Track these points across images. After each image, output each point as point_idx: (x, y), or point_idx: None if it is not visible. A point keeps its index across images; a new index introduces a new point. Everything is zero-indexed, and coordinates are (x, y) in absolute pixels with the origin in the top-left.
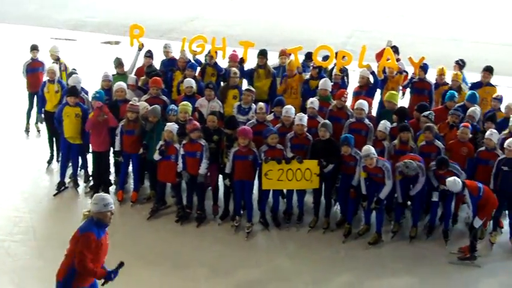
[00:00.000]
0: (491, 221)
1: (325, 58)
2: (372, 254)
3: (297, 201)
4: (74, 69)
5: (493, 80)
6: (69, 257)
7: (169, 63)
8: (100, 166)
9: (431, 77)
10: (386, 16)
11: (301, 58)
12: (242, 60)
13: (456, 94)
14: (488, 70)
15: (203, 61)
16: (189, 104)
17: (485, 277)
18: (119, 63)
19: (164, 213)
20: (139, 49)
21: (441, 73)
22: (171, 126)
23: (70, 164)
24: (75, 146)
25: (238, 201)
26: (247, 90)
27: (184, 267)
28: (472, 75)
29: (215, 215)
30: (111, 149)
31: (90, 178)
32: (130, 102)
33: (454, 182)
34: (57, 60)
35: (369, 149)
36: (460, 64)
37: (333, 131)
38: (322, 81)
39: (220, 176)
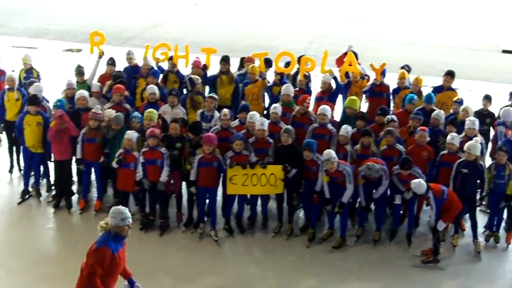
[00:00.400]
0: (453, 224)
1: (287, 64)
2: (336, 258)
3: (261, 207)
4: (34, 77)
5: (453, 84)
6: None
7: (133, 70)
8: (62, 175)
9: (390, 81)
10: (347, 21)
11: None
12: (205, 67)
13: (415, 97)
14: (450, 74)
15: (166, 68)
16: (155, 111)
17: (448, 279)
18: (79, 72)
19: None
20: (100, 57)
21: (402, 77)
22: (131, 134)
23: (32, 173)
24: (37, 155)
25: (202, 208)
26: (209, 97)
27: (149, 276)
28: (433, 80)
29: (179, 222)
30: (73, 158)
31: (53, 187)
32: (93, 110)
33: (419, 184)
34: (30, 69)
35: (330, 153)
36: (406, 69)
37: (296, 137)
38: (284, 86)
39: (184, 183)
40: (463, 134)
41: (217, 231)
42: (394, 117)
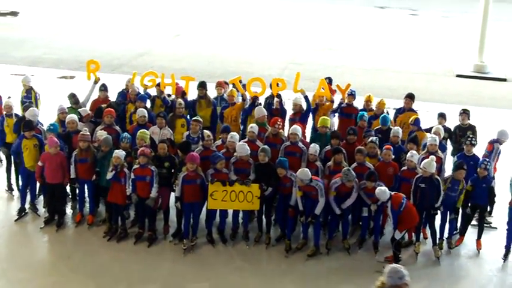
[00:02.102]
0: (415, 233)
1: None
2: (310, 266)
3: (242, 219)
4: (30, 102)
5: (414, 106)
6: None
7: (125, 95)
8: (53, 197)
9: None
10: (316, 50)
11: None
12: (184, 93)
13: (366, 114)
14: (410, 97)
15: (152, 94)
16: (147, 132)
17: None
18: (74, 101)
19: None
20: (95, 82)
21: (368, 100)
22: (119, 153)
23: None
24: (34, 173)
25: (187, 223)
26: (194, 120)
27: (137, 285)
28: (395, 102)
29: (166, 234)
30: (64, 180)
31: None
32: (81, 133)
33: (383, 191)
34: (29, 90)
35: (306, 175)
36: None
37: (271, 156)
38: (256, 109)
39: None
40: (424, 151)
41: (197, 238)
42: (374, 139)
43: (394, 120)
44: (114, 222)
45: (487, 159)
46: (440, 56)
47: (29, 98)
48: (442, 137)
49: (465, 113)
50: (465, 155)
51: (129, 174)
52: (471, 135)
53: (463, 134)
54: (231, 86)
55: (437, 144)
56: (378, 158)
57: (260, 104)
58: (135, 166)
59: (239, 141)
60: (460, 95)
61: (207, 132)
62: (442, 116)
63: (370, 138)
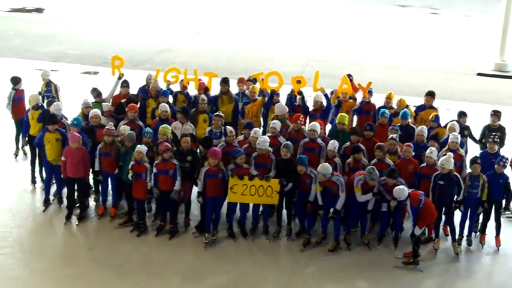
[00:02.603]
0: (434, 230)
1: None
2: (329, 260)
3: (262, 214)
4: (53, 96)
5: (434, 103)
6: None
7: (145, 91)
8: (73, 191)
9: (376, 100)
10: (337, 47)
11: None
12: (207, 89)
13: (387, 111)
14: (430, 94)
15: (174, 90)
16: (169, 127)
17: (428, 279)
18: (97, 94)
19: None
20: (119, 78)
21: (388, 97)
22: (141, 148)
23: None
24: (57, 167)
25: (209, 217)
26: (216, 115)
27: (158, 276)
28: (415, 100)
29: (186, 227)
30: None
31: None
32: (107, 127)
33: (401, 190)
34: (49, 83)
35: (327, 169)
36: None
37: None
38: (277, 105)
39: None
40: (445, 148)
41: (218, 232)
42: (395, 136)
43: (415, 117)
44: (137, 217)
45: (506, 157)
46: (461, 55)
47: (50, 91)
48: (457, 132)
49: (496, 114)
50: (488, 152)
51: (151, 168)
52: (495, 134)
53: (490, 134)
54: (252, 82)
55: (459, 141)
56: (398, 155)
57: (279, 101)
58: (157, 161)
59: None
60: (481, 93)
61: (229, 128)
62: (463, 115)
63: (391, 136)
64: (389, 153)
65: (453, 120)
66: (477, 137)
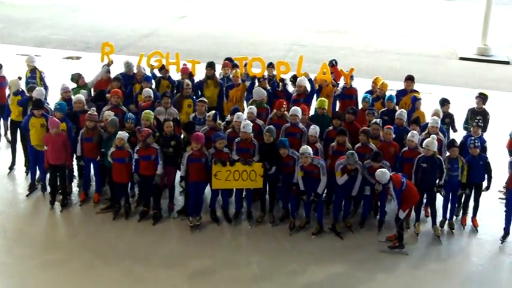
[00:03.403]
0: (415, 213)
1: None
2: (313, 244)
3: (245, 199)
4: (33, 82)
5: (416, 87)
6: None
7: (129, 77)
8: (55, 177)
9: (358, 85)
10: (320, 32)
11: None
12: (191, 75)
13: (369, 96)
14: (410, 79)
15: (158, 75)
16: (151, 112)
17: (411, 261)
18: (79, 76)
19: (124, 213)
20: (109, 65)
21: (375, 82)
22: (122, 134)
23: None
24: (41, 152)
25: (193, 201)
26: (200, 101)
27: (143, 261)
28: (398, 84)
29: (170, 212)
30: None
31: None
32: (89, 112)
33: (383, 173)
34: (34, 69)
35: (306, 148)
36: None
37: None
38: (255, 90)
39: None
40: (425, 131)
41: (201, 218)
42: (378, 121)
43: (397, 102)
44: (117, 201)
45: (473, 138)
46: (443, 39)
47: (34, 77)
48: (441, 118)
49: (480, 97)
50: (471, 136)
51: (133, 153)
52: (479, 118)
53: (474, 118)
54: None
55: (438, 126)
56: (379, 139)
57: (266, 85)
58: (138, 146)
59: None
60: (463, 77)
61: (209, 112)
62: (446, 102)
63: (374, 120)
64: (371, 137)
65: (438, 108)
66: (460, 124)
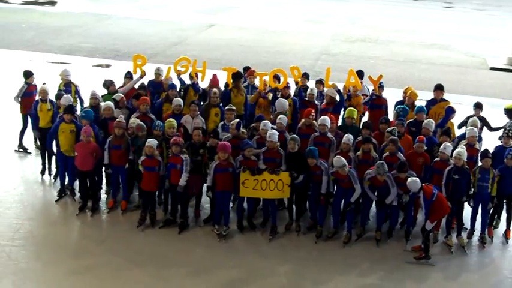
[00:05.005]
0: (445, 226)
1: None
2: (340, 254)
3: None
4: (62, 90)
5: (446, 97)
6: None
7: (157, 84)
8: (85, 183)
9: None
10: (349, 41)
11: None
12: (227, 85)
13: (402, 107)
14: (440, 88)
15: (186, 82)
16: (174, 121)
17: (439, 272)
18: (110, 82)
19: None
20: (141, 76)
21: (406, 92)
22: (151, 142)
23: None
24: (71, 158)
25: (218, 211)
26: (228, 109)
27: (168, 268)
28: (428, 94)
29: (197, 218)
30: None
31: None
32: (117, 119)
33: (415, 181)
34: (68, 83)
35: (341, 161)
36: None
37: (302, 145)
38: (277, 102)
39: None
40: (465, 142)
41: (229, 228)
42: (390, 129)
43: (427, 112)
44: (145, 209)
45: (511, 148)
46: (474, 49)
47: (69, 92)
48: (479, 127)
49: (479, 107)
50: (503, 147)
51: (162, 161)
52: (509, 128)
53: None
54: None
55: (477, 136)
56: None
57: (289, 93)
58: (170, 154)
59: None
60: (494, 87)
61: (233, 121)
62: (478, 107)
63: (387, 129)
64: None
65: (474, 117)
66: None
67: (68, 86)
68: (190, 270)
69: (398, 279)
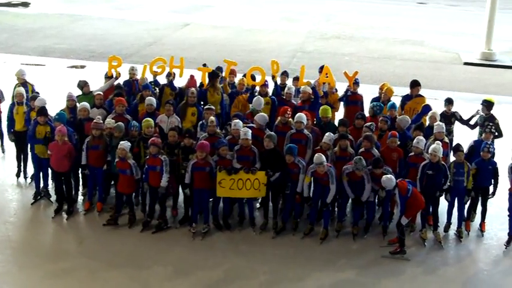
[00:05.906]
0: (420, 219)
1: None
2: (318, 250)
3: (247, 206)
4: (37, 92)
5: (421, 92)
6: None
7: (131, 84)
8: (60, 184)
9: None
10: (324, 38)
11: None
12: (202, 85)
13: (377, 104)
14: (417, 84)
15: (161, 82)
16: (151, 120)
17: (415, 267)
18: (84, 83)
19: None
20: (116, 78)
21: (382, 88)
22: (124, 145)
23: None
24: (45, 160)
25: (196, 209)
26: (207, 109)
27: (146, 269)
28: (403, 90)
29: (174, 217)
30: (71, 168)
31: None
32: (95, 121)
33: (389, 179)
34: (24, 83)
35: (321, 157)
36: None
37: (279, 143)
38: (255, 100)
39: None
40: (432, 138)
41: (209, 226)
42: (368, 124)
43: (402, 107)
44: (117, 210)
45: (489, 142)
46: (447, 44)
47: (26, 91)
48: (438, 121)
49: (483, 104)
50: (483, 141)
51: (136, 164)
52: (492, 124)
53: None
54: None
55: (444, 131)
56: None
57: (267, 91)
58: (147, 156)
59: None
60: (468, 82)
61: (211, 118)
62: (449, 102)
63: (366, 124)
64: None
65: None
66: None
67: (24, 86)
68: (169, 270)
69: (376, 274)
